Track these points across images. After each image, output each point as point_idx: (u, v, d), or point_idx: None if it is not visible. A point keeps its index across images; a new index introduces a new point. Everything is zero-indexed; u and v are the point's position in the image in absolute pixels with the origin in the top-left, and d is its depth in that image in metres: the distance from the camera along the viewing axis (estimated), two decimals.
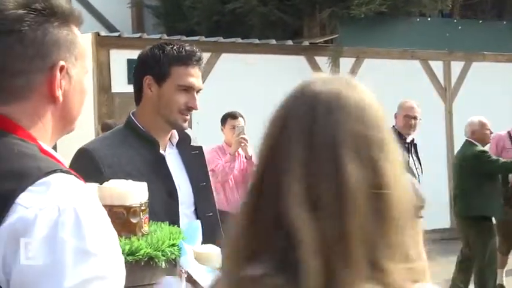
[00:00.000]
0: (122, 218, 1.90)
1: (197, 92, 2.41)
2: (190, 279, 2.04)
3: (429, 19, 10.92)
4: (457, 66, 11.05)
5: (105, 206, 1.89)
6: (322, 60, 9.99)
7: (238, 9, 10.56)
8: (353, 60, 10.22)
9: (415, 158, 5.76)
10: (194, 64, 2.38)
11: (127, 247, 1.81)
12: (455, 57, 11.04)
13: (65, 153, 5.33)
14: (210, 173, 6.11)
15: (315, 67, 10.01)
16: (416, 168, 5.71)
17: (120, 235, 1.86)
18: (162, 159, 2.40)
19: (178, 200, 2.39)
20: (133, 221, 1.91)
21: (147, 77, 2.38)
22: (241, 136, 5.92)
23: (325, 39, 9.99)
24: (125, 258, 1.78)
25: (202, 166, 2.58)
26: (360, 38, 10.12)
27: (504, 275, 7.20)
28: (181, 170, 2.49)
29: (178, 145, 2.51)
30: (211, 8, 11.16)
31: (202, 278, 2.02)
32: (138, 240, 1.87)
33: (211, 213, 2.54)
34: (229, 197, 6.02)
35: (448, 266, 7.13)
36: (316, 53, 9.99)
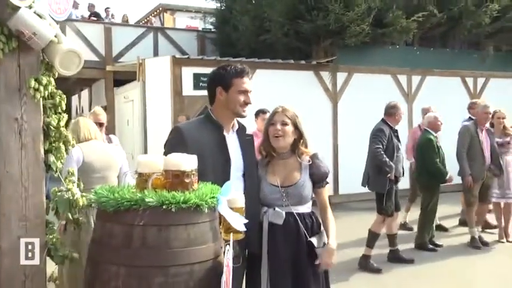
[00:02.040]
0: (179, 178, 1.92)
1: (249, 93, 2.57)
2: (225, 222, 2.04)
3: (397, 46, 10.70)
4: (416, 79, 10.83)
5: (168, 171, 1.93)
6: (325, 75, 9.86)
7: (268, 40, 10.47)
8: (346, 74, 10.06)
9: (399, 142, 5.58)
10: (246, 76, 2.55)
11: (181, 198, 1.83)
12: (415, 73, 10.80)
13: (155, 135, 5.41)
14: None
15: (320, 79, 9.91)
16: (400, 149, 5.55)
17: (177, 189, 1.89)
18: (223, 138, 2.50)
19: (230, 166, 2.46)
20: (186, 180, 1.92)
21: (218, 87, 2.52)
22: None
23: (327, 60, 9.85)
24: (180, 205, 1.82)
25: (252, 147, 2.65)
26: (351, 60, 9.97)
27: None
28: (237, 147, 2.56)
29: (237, 132, 2.60)
30: (250, 39, 11.10)
31: (233, 220, 2.03)
32: (189, 193, 1.89)
33: (255, 179, 2.61)
34: None
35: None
36: (321, 69, 9.85)
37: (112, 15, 14.62)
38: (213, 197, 1.93)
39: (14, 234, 1.89)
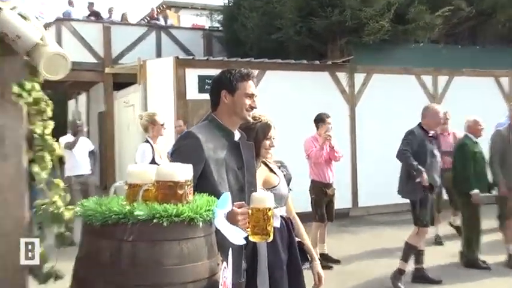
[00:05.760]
0: (172, 190, 1.93)
1: (255, 97, 2.64)
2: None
3: (421, 44, 10.65)
4: (442, 80, 10.77)
5: (160, 181, 1.95)
6: (341, 75, 9.86)
7: (279, 38, 10.51)
8: (364, 75, 10.03)
9: (436, 147, 5.59)
10: (252, 79, 2.61)
11: (174, 210, 1.83)
12: (441, 73, 10.74)
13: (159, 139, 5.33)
14: (306, 157, 6.44)
15: (336, 81, 9.90)
16: (437, 156, 5.53)
17: (169, 202, 1.90)
18: (237, 145, 2.58)
19: (245, 174, 2.55)
20: (180, 192, 1.93)
21: (223, 91, 2.58)
22: (327, 133, 6.27)
23: (343, 59, 9.85)
24: (172, 218, 1.83)
25: (253, 155, 2.70)
26: (369, 59, 9.94)
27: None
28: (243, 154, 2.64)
29: (239, 140, 2.66)
30: (259, 38, 11.15)
31: (231, 234, 2.03)
32: (183, 205, 1.89)
33: (252, 189, 2.65)
34: (320, 171, 6.38)
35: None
36: (337, 70, 9.84)
37: (110, 11, 14.76)
38: (208, 210, 1.94)
39: None
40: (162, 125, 5.69)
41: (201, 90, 8.81)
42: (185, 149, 2.46)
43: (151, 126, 5.62)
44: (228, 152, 2.52)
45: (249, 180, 2.58)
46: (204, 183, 2.31)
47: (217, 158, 2.45)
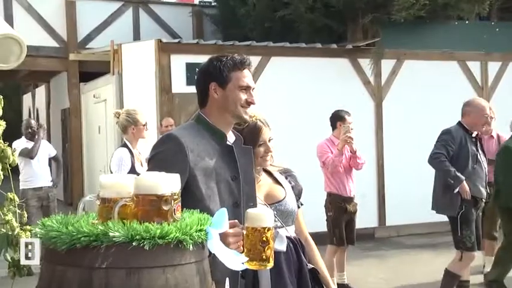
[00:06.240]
0: (155, 206, 1.95)
1: (252, 90, 2.64)
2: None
3: (467, 22, 10.67)
4: (494, 67, 10.78)
5: (140, 195, 1.97)
6: (364, 62, 9.89)
7: (287, 16, 10.55)
8: (394, 62, 10.07)
9: (481, 151, 5.61)
10: (247, 68, 2.64)
11: (158, 231, 1.84)
12: (492, 58, 10.76)
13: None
14: (321, 165, 6.49)
15: (358, 69, 9.94)
16: (482, 161, 5.57)
17: (152, 220, 1.92)
18: (230, 149, 2.60)
19: (240, 185, 2.57)
20: (165, 208, 1.94)
21: (212, 84, 2.60)
22: (347, 134, 6.22)
23: (368, 42, 9.88)
24: (156, 241, 1.84)
25: (251, 162, 2.72)
26: (400, 41, 9.98)
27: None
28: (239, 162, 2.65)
29: (234, 143, 2.67)
30: (263, 16, 11.19)
31: (229, 260, 2.05)
32: (169, 225, 1.91)
33: (255, 203, 2.69)
34: (338, 182, 6.41)
35: None
36: (359, 56, 9.88)
37: None
38: (200, 230, 1.95)
39: None
40: (145, 125, 5.75)
41: (190, 81, 8.85)
42: (164, 155, 2.48)
43: (132, 126, 5.65)
44: (220, 158, 2.54)
45: (246, 193, 2.60)
46: (188, 198, 2.31)
47: (205, 166, 2.47)
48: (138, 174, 2.11)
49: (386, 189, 9.90)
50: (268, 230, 2.18)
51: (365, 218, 8.28)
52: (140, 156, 5.69)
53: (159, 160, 2.49)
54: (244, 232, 2.19)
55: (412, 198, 8.97)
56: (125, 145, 5.66)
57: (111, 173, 5.47)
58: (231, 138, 2.66)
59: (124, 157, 5.54)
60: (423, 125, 9.54)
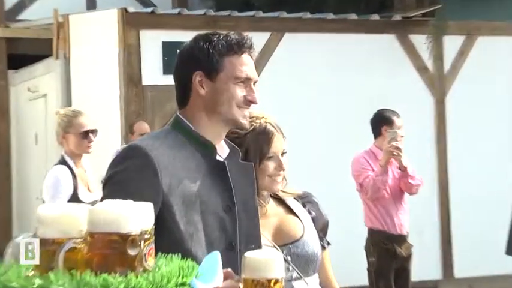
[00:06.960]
0: (118, 249, 1.95)
1: (254, 83, 2.63)
2: None
3: None
4: None
5: (95, 234, 1.97)
6: (419, 39, 9.94)
7: None
8: (462, 38, 10.13)
9: None
10: (247, 51, 2.62)
11: (122, 285, 1.86)
12: None
13: (90, 161, 5.50)
14: (357, 188, 6.53)
15: (410, 49, 9.96)
16: None
17: (114, 270, 1.92)
18: (222, 167, 2.57)
19: (236, 216, 2.55)
20: (132, 253, 1.94)
21: (197, 73, 2.59)
22: (393, 143, 6.26)
23: (424, 11, 9.93)
24: None
25: (252, 183, 2.71)
26: (470, 10, 10.04)
27: None
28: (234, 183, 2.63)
29: (227, 159, 2.66)
30: None
31: None
32: (137, 277, 1.91)
33: (252, 245, 2.64)
34: (383, 213, 6.43)
35: None
36: (412, 30, 9.95)
37: None
38: (182, 284, 1.96)
39: None
40: (92, 132, 5.69)
41: (169, 69, 8.86)
42: (124, 176, 2.48)
43: (67, 135, 5.60)
44: (207, 180, 2.54)
45: (245, 230, 2.60)
46: (163, 237, 2.30)
47: (185, 191, 2.46)
48: (85, 203, 2.11)
49: (452, 223, 9.92)
50: (275, 283, 2.18)
51: (424, 267, 8.29)
52: (87, 177, 5.66)
53: (118, 183, 2.48)
54: (241, 286, 2.19)
55: (492, 238, 8.92)
56: (63, 161, 5.59)
57: (44, 202, 5.43)
58: (223, 151, 2.65)
59: (61, 179, 5.47)
60: (505, 131, 9.56)
